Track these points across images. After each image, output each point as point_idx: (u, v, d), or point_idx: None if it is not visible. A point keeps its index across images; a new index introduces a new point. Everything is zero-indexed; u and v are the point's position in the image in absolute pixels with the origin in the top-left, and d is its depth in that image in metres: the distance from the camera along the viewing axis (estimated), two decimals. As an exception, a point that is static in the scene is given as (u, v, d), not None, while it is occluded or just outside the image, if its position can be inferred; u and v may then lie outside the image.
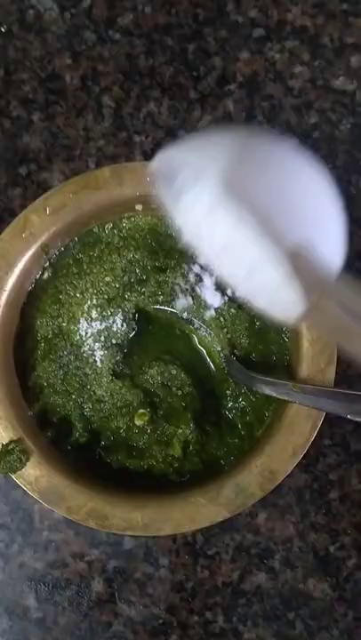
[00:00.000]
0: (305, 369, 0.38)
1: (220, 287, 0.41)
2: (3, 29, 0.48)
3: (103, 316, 0.40)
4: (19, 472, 0.38)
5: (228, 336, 0.41)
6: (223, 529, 0.45)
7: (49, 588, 0.45)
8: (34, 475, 0.38)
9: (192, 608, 0.45)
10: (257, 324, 0.41)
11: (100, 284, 0.41)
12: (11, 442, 0.38)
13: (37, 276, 0.41)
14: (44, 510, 0.45)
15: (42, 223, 0.39)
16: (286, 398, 0.38)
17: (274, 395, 0.38)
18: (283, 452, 0.38)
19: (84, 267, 0.41)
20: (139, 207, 0.41)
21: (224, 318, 0.41)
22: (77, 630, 0.45)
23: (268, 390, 0.39)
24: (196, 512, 0.37)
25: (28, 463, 0.38)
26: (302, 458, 0.38)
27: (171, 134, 0.47)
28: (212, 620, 0.45)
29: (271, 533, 0.45)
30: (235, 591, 0.45)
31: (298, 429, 0.38)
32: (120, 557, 0.45)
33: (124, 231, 0.42)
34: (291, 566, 0.45)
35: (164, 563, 0.45)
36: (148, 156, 0.47)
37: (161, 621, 0.44)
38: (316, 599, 0.45)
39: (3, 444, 0.38)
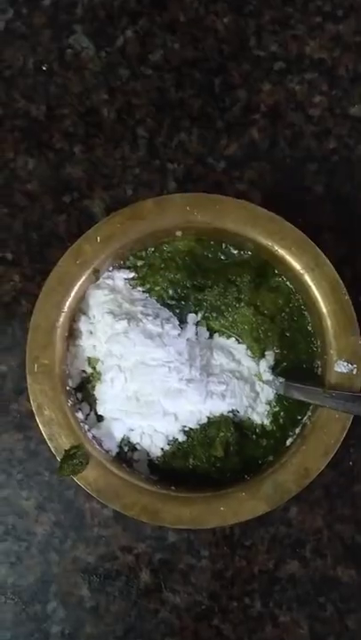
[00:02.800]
0: (334, 376, 0.43)
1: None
2: (44, 68, 0.52)
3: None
4: (80, 474, 0.42)
5: (262, 347, 0.46)
6: (259, 522, 0.49)
7: (100, 580, 0.49)
8: (92, 476, 0.42)
9: (231, 594, 0.49)
10: (287, 335, 0.46)
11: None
12: (72, 447, 0.42)
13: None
14: (95, 508, 0.49)
15: (93, 251, 0.43)
16: (318, 403, 0.42)
17: (306, 400, 0.43)
18: (316, 452, 0.42)
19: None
20: (178, 233, 0.45)
21: (257, 331, 0.46)
22: (127, 617, 0.49)
23: (300, 396, 0.43)
24: (238, 506, 0.42)
25: (87, 466, 0.42)
26: (329, 456, 0.43)
27: (201, 161, 0.51)
28: (250, 605, 0.49)
29: (302, 525, 0.49)
30: (270, 578, 0.49)
31: (329, 431, 0.42)
32: (165, 550, 0.49)
33: (164, 254, 0.46)
34: (321, 555, 0.49)
35: (204, 554, 0.49)
36: (180, 182, 0.51)
37: (204, 607, 0.49)
38: (344, 584, 0.49)
39: (65, 450, 0.42)
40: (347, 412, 0.41)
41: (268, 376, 0.45)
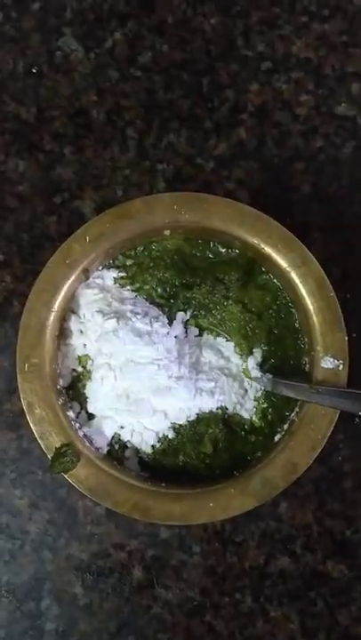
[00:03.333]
0: (321, 372, 0.43)
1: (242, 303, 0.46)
2: (34, 70, 0.53)
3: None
4: (70, 472, 0.42)
5: (250, 344, 0.46)
6: (249, 518, 0.49)
7: (94, 577, 0.49)
8: (84, 474, 0.42)
9: (223, 590, 0.49)
10: (275, 332, 0.46)
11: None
12: (62, 445, 0.42)
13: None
14: (87, 506, 0.49)
15: (82, 250, 0.44)
16: (304, 399, 0.43)
17: (293, 396, 0.43)
18: (303, 447, 0.42)
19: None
20: (167, 232, 0.46)
21: (245, 328, 0.46)
22: (121, 614, 0.49)
23: (287, 392, 0.43)
24: (227, 502, 0.42)
25: (78, 464, 0.42)
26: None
27: (190, 162, 0.52)
28: (242, 600, 0.49)
29: (292, 521, 0.50)
30: (261, 574, 0.49)
31: (316, 426, 0.43)
32: (157, 547, 0.49)
33: (153, 253, 0.46)
34: (311, 550, 0.49)
35: (196, 550, 0.49)
36: (169, 182, 0.52)
37: (196, 603, 0.49)
38: (335, 579, 0.49)
39: (56, 448, 0.42)
40: (333, 407, 0.42)
41: (256, 373, 0.45)
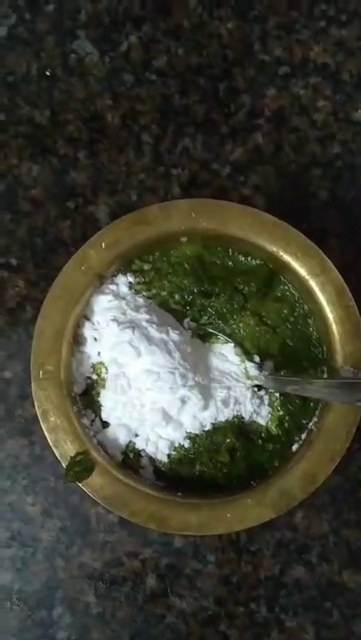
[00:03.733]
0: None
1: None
2: (48, 74, 0.52)
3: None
4: (85, 481, 0.42)
5: (262, 354, 0.46)
6: (264, 527, 0.49)
7: (107, 585, 0.49)
8: (99, 483, 0.42)
9: (238, 600, 0.49)
10: (290, 344, 0.46)
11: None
12: (77, 454, 0.42)
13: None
14: (100, 514, 0.49)
15: (98, 256, 0.43)
16: (300, 393, 0.42)
17: (289, 391, 0.43)
18: (322, 458, 0.42)
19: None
20: (184, 239, 0.45)
21: (258, 340, 0.46)
22: (134, 623, 0.49)
23: (282, 388, 0.43)
24: (244, 513, 0.42)
25: (93, 472, 0.42)
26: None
27: (205, 167, 0.52)
28: (257, 610, 0.49)
29: (308, 531, 0.49)
30: (276, 584, 0.49)
31: (335, 436, 0.42)
32: (171, 555, 0.49)
33: (172, 259, 0.46)
34: (327, 560, 0.49)
35: (211, 559, 0.49)
36: (184, 187, 0.51)
37: (210, 612, 0.49)
38: (350, 590, 0.49)
39: (71, 456, 0.42)
40: (325, 399, 0.41)
41: (253, 372, 0.45)
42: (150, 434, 0.44)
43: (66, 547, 0.49)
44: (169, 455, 0.44)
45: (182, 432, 0.44)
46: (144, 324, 0.43)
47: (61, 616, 0.49)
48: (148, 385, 0.43)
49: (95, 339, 0.45)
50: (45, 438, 0.43)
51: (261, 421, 0.45)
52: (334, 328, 0.43)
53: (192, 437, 0.44)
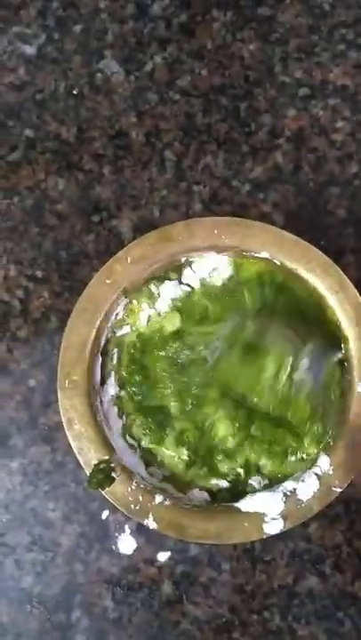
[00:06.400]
0: (356, 398, 0.44)
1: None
2: (75, 92, 0.54)
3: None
4: (107, 489, 0.43)
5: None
6: (278, 537, 0.49)
7: (124, 591, 0.50)
8: (121, 491, 0.43)
9: (251, 608, 0.50)
10: None
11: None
12: (100, 462, 0.43)
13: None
14: (119, 520, 0.50)
15: (124, 271, 0.45)
16: None
17: None
18: (339, 470, 0.43)
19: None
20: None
21: None
22: (150, 628, 0.50)
23: None
24: (262, 523, 0.43)
25: (115, 481, 0.43)
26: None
27: (226, 184, 0.53)
28: (270, 618, 0.50)
29: (321, 541, 0.50)
30: (289, 593, 0.50)
31: (353, 449, 0.43)
32: (186, 563, 0.50)
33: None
34: (340, 570, 0.50)
35: (225, 567, 0.50)
36: (205, 204, 0.53)
37: (224, 620, 0.50)
38: (362, 600, 0.50)
39: (94, 464, 0.43)
40: None
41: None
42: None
43: (85, 552, 0.50)
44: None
45: None
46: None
47: (79, 620, 0.50)
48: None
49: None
50: (67, 445, 0.45)
51: None
52: (351, 345, 0.44)
53: None
